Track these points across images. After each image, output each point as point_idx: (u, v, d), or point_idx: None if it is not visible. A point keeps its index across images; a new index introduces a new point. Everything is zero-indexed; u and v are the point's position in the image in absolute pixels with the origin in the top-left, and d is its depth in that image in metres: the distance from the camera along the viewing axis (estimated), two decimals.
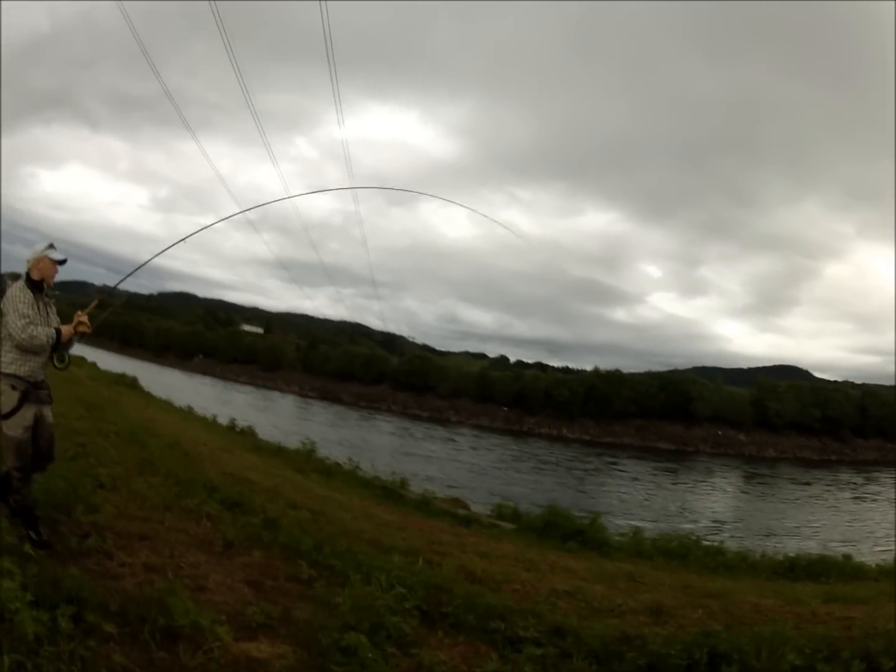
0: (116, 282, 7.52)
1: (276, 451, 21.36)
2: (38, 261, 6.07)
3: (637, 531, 16.53)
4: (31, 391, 5.91)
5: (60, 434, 10.61)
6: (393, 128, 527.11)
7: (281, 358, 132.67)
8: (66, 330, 6.01)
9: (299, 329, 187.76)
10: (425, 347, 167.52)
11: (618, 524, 20.80)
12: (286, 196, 10.37)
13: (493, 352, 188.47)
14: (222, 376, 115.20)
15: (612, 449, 74.63)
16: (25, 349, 5.82)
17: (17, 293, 5.87)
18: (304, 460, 20.22)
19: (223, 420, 28.01)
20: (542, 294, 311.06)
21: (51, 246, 6.15)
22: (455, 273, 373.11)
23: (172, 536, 7.29)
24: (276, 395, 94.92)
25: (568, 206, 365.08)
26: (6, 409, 5.81)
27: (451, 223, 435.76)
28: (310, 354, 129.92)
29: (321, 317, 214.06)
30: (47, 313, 6.08)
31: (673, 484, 49.85)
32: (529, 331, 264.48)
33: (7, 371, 5.82)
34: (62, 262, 6.21)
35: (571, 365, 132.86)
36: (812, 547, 19.03)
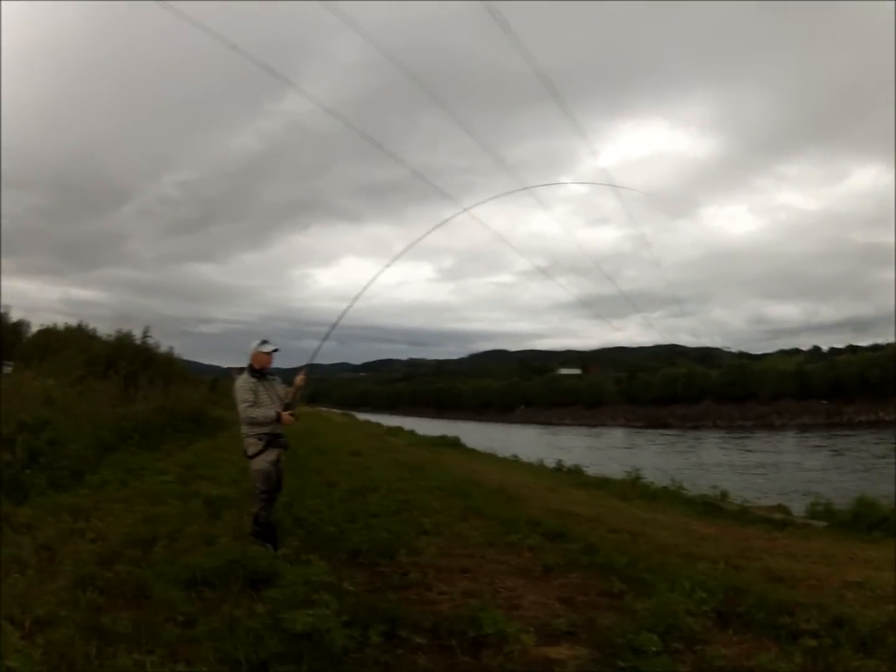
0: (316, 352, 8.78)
1: (601, 484, 21.09)
2: (254, 355, 7.76)
3: None
4: (272, 440, 7.59)
5: (382, 494, 11.78)
6: (648, 141, 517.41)
7: (602, 394, 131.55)
8: (286, 418, 7.60)
9: (616, 362, 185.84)
10: (742, 354, 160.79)
11: None
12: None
13: (804, 344, 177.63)
14: (546, 422, 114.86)
15: None
16: (250, 424, 7.53)
17: (240, 383, 7.63)
18: (629, 488, 19.90)
19: (549, 463, 27.58)
20: (836, 271, 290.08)
21: (263, 342, 7.84)
22: (751, 271, 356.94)
23: (493, 567, 7.68)
24: (602, 431, 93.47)
25: (831, 172, 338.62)
26: (251, 452, 7.56)
27: (734, 221, 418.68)
28: (630, 385, 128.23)
29: (634, 346, 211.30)
30: (272, 389, 7.75)
31: None
32: (834, 313, 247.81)
33: (251, 432, 7.55)
34: (275, 351, 7.84)
35: (880, 341, 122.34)
36: None
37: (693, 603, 6.19)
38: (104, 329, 32.73)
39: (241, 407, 7.51)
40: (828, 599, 6.75)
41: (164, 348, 33.84)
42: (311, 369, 8.29)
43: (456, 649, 5.06)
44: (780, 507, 18.17)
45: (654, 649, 5.08)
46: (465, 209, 11.12)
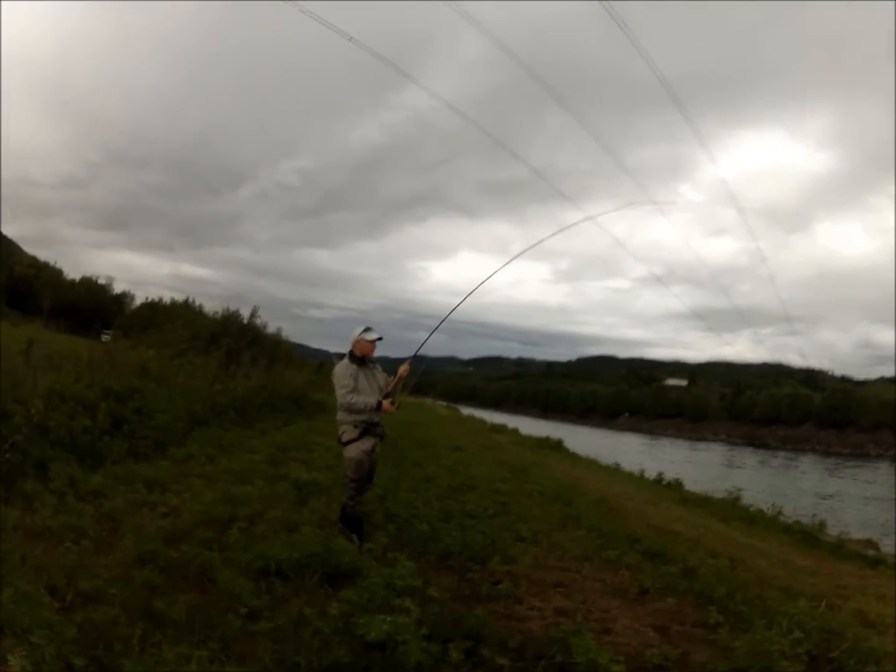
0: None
1: (702, 502, 20.69)
2: (357, 342, 7.56)
3: None
4: (369, 428, 7.41)
5: (481, 494, 11.43)
6: (766, 152, 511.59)
7: (706, 408, 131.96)
8: (386, 406, 7.40)
9: (722, 377, 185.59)
10: (844, 379, 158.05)
11: None
12: None
13: None
14: (649, 432, 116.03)
15: None
16: (347, 410, 7.36)
17: (340, 369, 7.48)
18: (729, 509, 19.50)
19: (650, 474, 27.32)
20: None
21: (366, 329, 7.63)
22: (864, 294, 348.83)
23: (588, 584, 7.32)
24: (703, 445, 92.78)
25: None
26: (346, 438, 7.40)
27: (848, 240, 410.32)
28: (735, 401, 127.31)
29: (742, 362, 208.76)
30: (373, 377, 7.56)
31: None
32: None
33: (348, 419, 7.40)
34: (379, 339, 7.63)
35: None
36: None
37: (788, 643, 5.94)
38: (214, 306, 33.24)
39: (340, 392, 7.36)
40: None
41: (271, 329, 34.27)
42: (417, 361, 8.02)
43: None
44: (871, 543, 17.99)
45: None
46: (590, 217, 11.23)
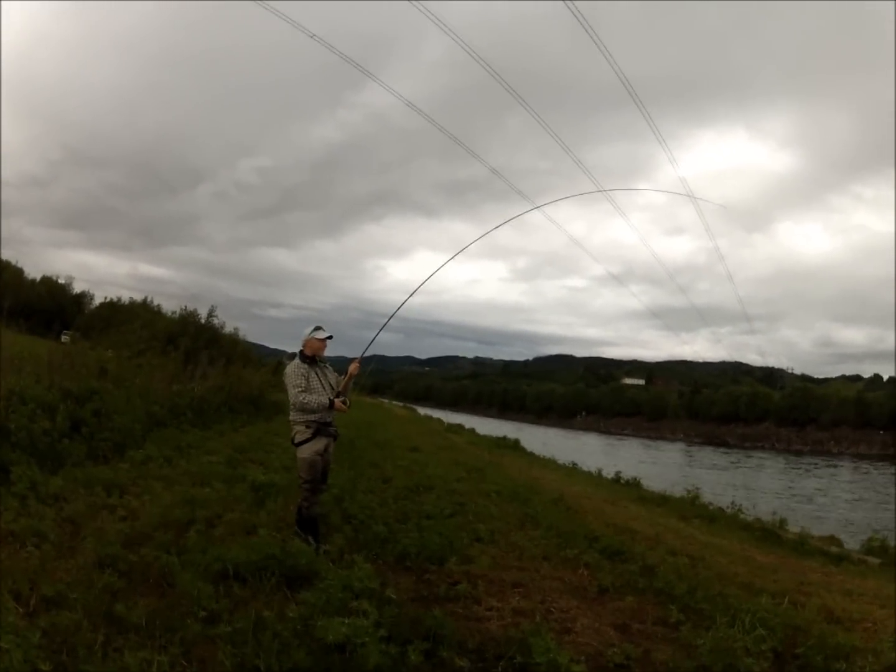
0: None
1: (661, 501, 20.69)
2: (307, 341, 7.59)
3: None
4: (322, 428, 7.38)
5: (438, 495, 11.41)
6: (726, 152, 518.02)
7: (664, 407, 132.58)
8: (338, 405, 7.43)
9: (681, 376, 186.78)
10: (804, 377, 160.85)
11: None
12: None
13: (867, 371, 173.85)
14: (606, 431, 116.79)
15: None
16: (300, 410, 7.31)
17: (292, 368, 7.47)
18: (688, 507, 19.56)
19: (608, 474, 27.31)
20: None
21: (317, 328, 7.65)
22: (823, 292, 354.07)
23: (546, 584, 7.31)
24: (662, 444, 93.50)
25: None
26: (299, 439, 7.35)
27: (808, 239, 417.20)
28: (693, 400, 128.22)
29: (701, 360, 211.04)
30: (325, 376, 7.57)
31: None
32: None
33: (300, 419, 7.35)
34: (329, 338, 7.67)
35: None
36: None
37: (752, 640, 5.97)
38: (172, 306, 33.15)
39: (293, 392, 7.33)
40: (882, 645, 6.55)
41: (229, 329, 34.17)
42: (367, 359, 8.20)
43: None
44: (834, 540, 18.16)
45: None
46: (537, 206, 11.43)
